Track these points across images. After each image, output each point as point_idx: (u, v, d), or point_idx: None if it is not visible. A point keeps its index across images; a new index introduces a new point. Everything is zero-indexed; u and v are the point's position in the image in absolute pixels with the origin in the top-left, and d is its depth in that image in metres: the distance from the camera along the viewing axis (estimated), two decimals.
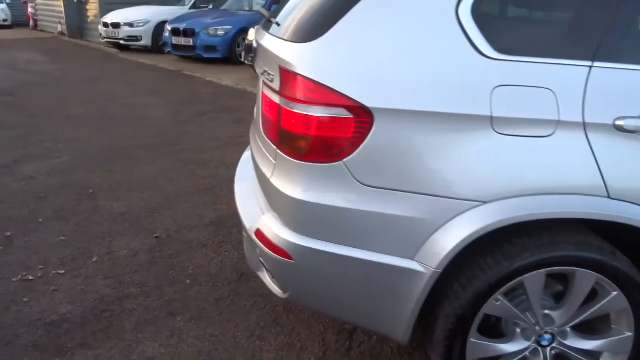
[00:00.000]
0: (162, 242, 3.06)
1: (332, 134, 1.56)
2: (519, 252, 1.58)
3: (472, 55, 1.51)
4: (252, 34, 8.45)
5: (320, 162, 1.59)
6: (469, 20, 1.52)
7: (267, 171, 1.79)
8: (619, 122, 1.51)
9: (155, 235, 3.14)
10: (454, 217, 1.54)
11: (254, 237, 1.81)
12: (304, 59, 1.56)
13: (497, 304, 1.62)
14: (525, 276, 1.59)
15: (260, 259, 1.83)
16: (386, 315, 1.69)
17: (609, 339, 1.71)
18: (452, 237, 1.54)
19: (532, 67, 1.51)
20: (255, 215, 1.91)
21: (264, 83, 1.86)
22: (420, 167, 1.53)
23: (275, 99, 1.70)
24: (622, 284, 1.61)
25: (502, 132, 1.51)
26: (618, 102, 1.52)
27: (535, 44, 1.54)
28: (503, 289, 1.60)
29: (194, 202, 3.65)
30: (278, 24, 1.82)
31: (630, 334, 1.68)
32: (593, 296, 1.66)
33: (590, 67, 1.53)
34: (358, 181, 1.57)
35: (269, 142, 1.78)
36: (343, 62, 1.55)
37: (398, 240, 1.59)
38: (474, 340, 1.67)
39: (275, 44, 1.72)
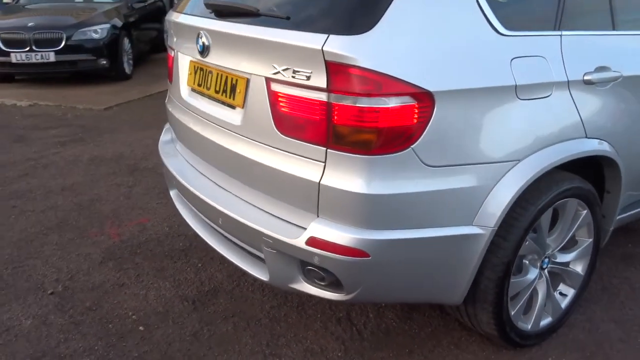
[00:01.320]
0: (65, 297, 2.48)
1: (400, 123, 1.58)
2: (537, 196, 1.88)
3: (492, 35, 1.71)
4: None
5: (390, 153, 1.59)
6: (485, 4, 1.70)
7: (307, 175, 1.68)
8: (586, 77, 1.92)
9: (49, 292, 2.51)
10: (500, 179, 1.74)
11: (305, 247, 1.69)
12: (363, 51, 1.53)
13: (527, 244, 1.91)
14: (543, 215, 1.91)
15: (315, 267, 1.72)
16: (449, 283, 1.82)
17: (579, 248, 2.17)
18: (503, 196, 1.74)
19: (529, 39, 1.80)
20: (284, 226, 1.78)
21: (276, 81, 1.71)
22: (471, 140, 1.69)
23: (319, 96, 1.60)
24: (590, 203, 2.07)
25: (522, 98, 1.76)
26: (582, 61, 1.93)
27: (529, 20, 1.82)
28: (531, 231, 1.90)
29: (56, 242, 3.00)
30: (288, 18, 1.69)
31: (590, 239, 2.18)
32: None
33: (560, 35, 1.89)
34: (425, 164, 1.63)
35: (307, 144, 1.67)
36: (400, 50, 1.57)
37: (459, 210, 1.72)
38: (513, 280, 1.93)
39: (303, 37, 1.60)
